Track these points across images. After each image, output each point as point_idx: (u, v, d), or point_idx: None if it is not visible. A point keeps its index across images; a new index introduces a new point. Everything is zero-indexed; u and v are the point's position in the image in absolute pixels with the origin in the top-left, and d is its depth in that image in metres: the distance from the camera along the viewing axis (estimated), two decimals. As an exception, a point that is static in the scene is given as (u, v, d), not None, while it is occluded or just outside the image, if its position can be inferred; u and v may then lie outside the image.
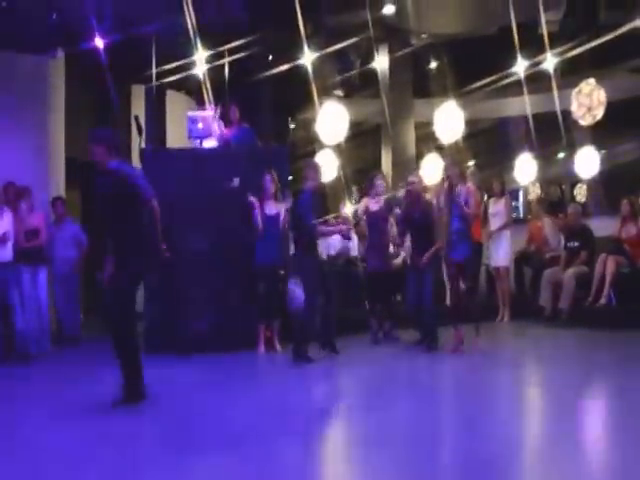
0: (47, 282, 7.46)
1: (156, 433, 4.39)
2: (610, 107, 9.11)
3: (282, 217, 7.03)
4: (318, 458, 3.96)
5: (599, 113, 8.98)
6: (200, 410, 4.78)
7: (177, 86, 10.31)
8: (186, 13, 8.02)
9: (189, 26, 8.11)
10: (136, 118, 6.93)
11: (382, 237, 7.44)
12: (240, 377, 5.92)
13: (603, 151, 11.50)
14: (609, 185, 12.72)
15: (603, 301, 7.81)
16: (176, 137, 9.43)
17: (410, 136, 11.81)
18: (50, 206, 8.17)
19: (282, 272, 7.00)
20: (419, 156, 11.08)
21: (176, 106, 10.50)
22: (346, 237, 7.64)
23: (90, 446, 4.00)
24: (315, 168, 6.75)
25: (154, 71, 8.43)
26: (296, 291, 6.38)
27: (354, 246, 8.43)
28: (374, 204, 7.43)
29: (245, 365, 6.50)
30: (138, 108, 9.59)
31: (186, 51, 8.54)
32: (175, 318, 6.96)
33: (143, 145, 7.54)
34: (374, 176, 7.64)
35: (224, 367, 6.35)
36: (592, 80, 9.09)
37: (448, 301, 8.44)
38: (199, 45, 8.43)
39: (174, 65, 8.56)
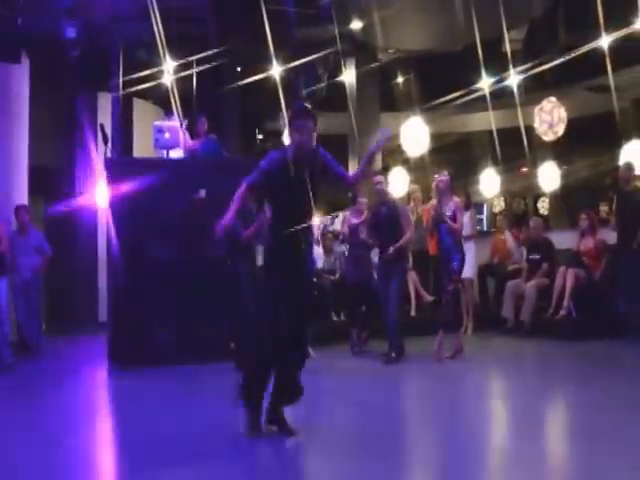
0: (8, 291, 7.34)
1: (116, 447, 4.35)
2: (570, 124, 9.33)
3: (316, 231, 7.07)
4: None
5: (560, 129, 9.18)
6: (164, 424, 4.73)
7: (145, 95, 10.27)
8: (154, 22, 8.00)
9: (157, 35, 8.10)
10: (102, 127, 6.92)
11: (362, 249, 7.50)
12: (207, 389, 5.88)
13: (564, 167, 11.75)
14: (569, 199, 13.00)
15: (563, 312, 7.95)
16: (143, 147, 9.38)
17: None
18: (13, 214, 8.05)
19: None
20: (385, 169, 11.16)
21: (144, 115, 10.45)
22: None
23: (42, 461, 3.91)
24: None
25: (121, 79, 8.39)
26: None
27: (318, 258, 8.45)
28: (355, 217, 7.51)
29: (213, 377, 6.45)
30: (104, 116, 9.54)
31: (154, 60, 8.51)
32: (142, 329, 6.91)
33: (109, 154, 7.50)
34: (356, 194, 7.68)
35: (191, 379, 6.30)
36: (553, 98, 9.31)
37: (413, 312, 8.59)
38: (167, 55, 8.41)
39: (142, 74, 8.52)
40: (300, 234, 4.18)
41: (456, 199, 6.81)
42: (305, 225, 4.20)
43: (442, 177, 6.80)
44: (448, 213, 6.65)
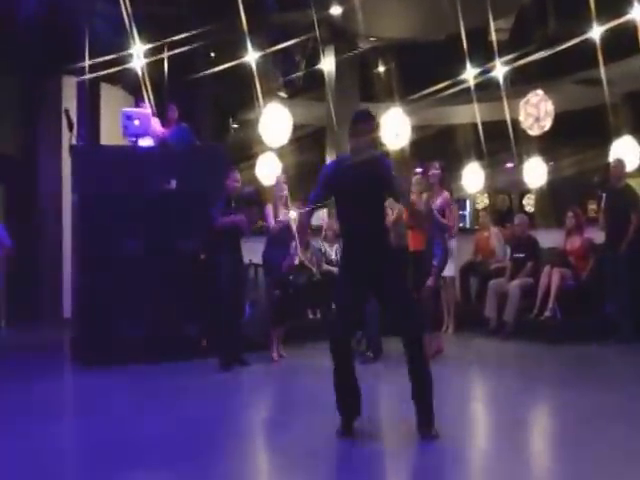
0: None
1: (84, 449, 4.38)
2: (557, 118, 9.48)
3: (292, 225, 7.17)
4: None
5: (547, 124, 9.31)
6: (132, 425, 4.78)
7: (113, 80, 10.23)
8: (122, 1, 7.99)
9: (126, 16, 8.09)
10: (66, 112, 6.91)
11: None
12: (176, 389, 5.93)
13: (551, 162, 11.95)
14: (556, 196, 13.20)
15: (548, 314, 8.03)
16: (110, 134, 9.36)
17: (356, 141, 11.95)
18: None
19: (291, 277, 7.24)
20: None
21: (111, 101, 10.40)
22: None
23: (9, 463, 3.95)
24: (234, 176, 6.91)
25: (87, 62, 8.35)
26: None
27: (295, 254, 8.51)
28: None
29: (182, 376, 6.49)
30: (69, 102, 9.48)
31: (123, 42, 8.51)
32: (108, 326, 6.93)
33: (74, 141, 7.50)
34: None
35: (160, 378, 6.33)
36: (540, 91, 9.43)
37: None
38: (137, 37, 8.41)
39: (110, 57, 8.50)
40: (367, 237, 4.32)
41: (445, 194, 6.91)
42: (373, 229, 4.36)
43: (433, 170, 6.88)
44: (435, 208, 6.75)
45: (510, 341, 8.10)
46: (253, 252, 7.71)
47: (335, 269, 7.77)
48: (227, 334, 6.77)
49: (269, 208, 7.23)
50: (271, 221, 7.18)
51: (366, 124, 4.40)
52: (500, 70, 9.72)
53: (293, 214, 7.24)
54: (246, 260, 8.00)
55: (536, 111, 9.15)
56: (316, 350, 7.62)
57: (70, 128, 6.96)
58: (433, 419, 4.23)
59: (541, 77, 11.56)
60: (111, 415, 5.07)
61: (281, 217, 7.20)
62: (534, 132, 9.32)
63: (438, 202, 6.84)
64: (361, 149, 4.37)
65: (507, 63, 9.81)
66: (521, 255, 8.72)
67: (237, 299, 6.99)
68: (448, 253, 6.91)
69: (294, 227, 7.31)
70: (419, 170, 7.10)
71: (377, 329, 6.94)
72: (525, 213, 12.53)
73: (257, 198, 8.35)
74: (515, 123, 9.87)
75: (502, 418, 4.99)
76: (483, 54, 10.00)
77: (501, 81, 9.78)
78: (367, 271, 4.31)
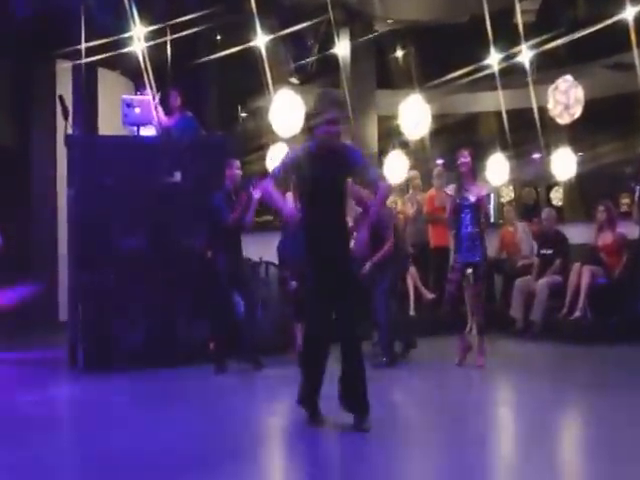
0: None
1: (77, 463, 4.31)
2: (588, 105, 9.35)
3: None
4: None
5: (577, 112, 9.20)
6: (135, 434, 4.72)
7: (111, 65, 10.18)
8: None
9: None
10: (61, 99, 6.83)
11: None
12: (179, 396, 5.85)
13: (581, 153, 11.81)
14: (585, 189, 13.06)
15: (578, 314, 7.97)
16: (109, 123, 9.30)
17: (372, 130, 11.90)
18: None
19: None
20: (382, 153, 11.16)
21: (110, 88, 10.35)
22: None
23: (5, 476, 3.90)
24: (233, 167, 6.90)
25: (83, 45, 8.28)
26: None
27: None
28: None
29: (188, 381, 6.41)
30: (64, 88, 9.41)
31: (122, 24, 8.43)
32: (107, 329, 6.87)
33: (70, 130, 7.43)
34: None
35: (163, 385, 6.26)
36: (569, 76, 9.31)
37: (412, 311, 8.59)
38: (137, 18, 8.34)
39: (107, 40, 8.44)
40: (328, 231, 4.50)
41: (481, 183, 6.81)
42: (334, 221, 4.53)
43: (462, 158, 6.79)
44: (472, 200, 6.65)
45: (537, 342, 8.06)
46: (264, 249, 7.61)
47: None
48: (223, 336, 6.71)
49: (289, 197, 7.13)
50: (293, 211, 7.04)
51: (335, 113, 4.43)
52: (526, 54, 9.63)
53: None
54: (256, 258, 7.95)
55: (565, 98, 9.04)
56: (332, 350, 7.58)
57: (65, 116, 6.88)
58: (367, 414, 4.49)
59: (570, 62, 11.46)
60: (111, 424, 5.00)
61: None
62: (563, 120, 9.20)
63: (481, 193, 6.68)
64: (329, 139, 4.43)
65: (534, 47, 9.72)
66: (549, 251, 8.67)
67: (248, 300, 6.92)
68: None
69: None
70: (440, 162, 6.98)
71: (388, 334, 6.85)
72: (553, 207, 12.41)
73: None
74: (542, 111, 9.78)
75: (530, 424, 4.90)
76: (508, 37, 9.88)
77: (527, 66, 9.66)
78: (329, 265, 4.49)
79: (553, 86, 9.27)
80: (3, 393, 6.10)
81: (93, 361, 6.73)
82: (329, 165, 4.45)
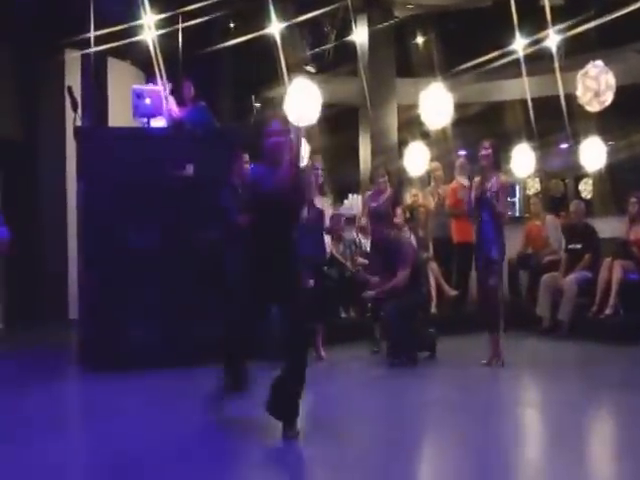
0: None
1: (87, 464, 4.31)
2: (619, 92, 9.23)
3: (327, 212, 7.27)
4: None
5: (607, 99, 9.08)
6: (141, 434, 4.73)
7: (121, 54, 10.20)
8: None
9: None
10: (69, 90, 6.83)
11: None
12: (192, 397, 5.84)
13: (611, 142, 11.69)
14: (616, 181, 12.93)
15: (608, 311, 7.91)
16: (119, 114, 9.31)
17: (392, 120, 11.84)
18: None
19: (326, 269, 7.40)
20: (402, 143, 11.12)
21: (120, 78, 10.37)
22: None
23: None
24: (241, 160, 6.89)
25: (92, 34, 8.29)
26: None
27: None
28: (374, 200, 7.67)
29: (201, 381, 6.40)
30: (73, 78, 9.44)
31: (132, 12, 8.43)
32: (118, 327, 6.87)
33: (79, 122, 7.44)
34: (375, 173, 8.04)
35: (175, 385, 6.26)
36: (600, 62, 9.20)
37: (434, 309, 8.56)
38: (147, 7, 8.34)
39: (118, 28, 8.44)
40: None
41: (501, 176, 6.76)
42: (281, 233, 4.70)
43: (483, 150, 6.75)
44: (490, 193, 6.62)
45: (565, 342, 8.01)
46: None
47: None
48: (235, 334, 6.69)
49: None
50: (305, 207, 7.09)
51: (277, 125, 4.67)
52: (553, 39, 9.52)
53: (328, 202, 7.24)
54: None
55: (595, 84, 8.90)
56: (348, 353, 7.56)
57: (74, 108, 6.88)
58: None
59: (600, 46, 11.30)
60: (121, 424, 5.00)
61: (316, 204, 7.10)
62: (593, 108, 9.08)
63: (492, 186, 6.66)
64: (277, 159, 4.62)
65: (561, 31, 9.58)
66: (577, 246, 8.62)
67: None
68: (504, 245, 6.76)
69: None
70: (462, 153, 6.94)
71: (404, 332, 6.89)
72: (582, 199, 12.30)
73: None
74: (570, 98, 9.67)
75: (557, 425, 4.88)
76: (534, 21, 9.76)
77: (554, 52, 9.55)
78: (272, 275, 4.65)
79: (582, 72, 9.15)
80: (12, 392, 6.12)
81: (103, 360, 6.73)
82: (274, 178, 4.62)
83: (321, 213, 7.21)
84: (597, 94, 9.04)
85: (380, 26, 11.51)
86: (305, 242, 7.16)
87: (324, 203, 7.22)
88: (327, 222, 7.53)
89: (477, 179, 6.89)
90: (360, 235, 8.58)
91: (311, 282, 7.09)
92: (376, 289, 7.14)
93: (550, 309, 8.47)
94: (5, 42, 9.59)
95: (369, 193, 8.13)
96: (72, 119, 7.34)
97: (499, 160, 6.91)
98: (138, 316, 6.90)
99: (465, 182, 6.85)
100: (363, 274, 7.85)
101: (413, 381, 6.42)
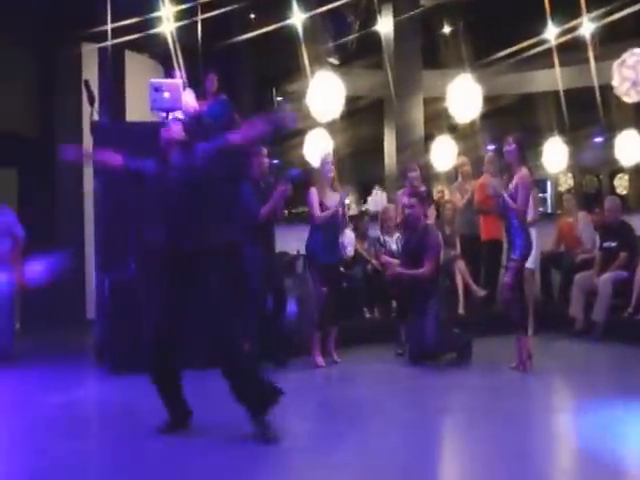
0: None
1: (108, 465, 4.36)
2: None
3: (340, 209, 7.20)
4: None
5: (646, 89, 9.02)
6: (159, 437, 4.76)
7: (139, 47, 10.25)
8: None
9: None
10: (86, 84, 6.88)
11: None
12: (214, 400, 5.87)
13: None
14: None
15: (646, 313, 7.84)
16: (137, 108, 9.36)
17: (418, 114, 11.80)
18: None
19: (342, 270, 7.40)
20: (428, 138, 11.09)
21: (138, 71, 10.41)
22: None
23: None
24: (260, 155, 6.99)
25: (109, 27, 8.35)
26: None
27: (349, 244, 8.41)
28: (407, 197, 7.60)
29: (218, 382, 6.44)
30: (90, 72, 9.51)
31: (150, 4, 8.47)
32: (137, 328, 6.87)
33: (96, 117, 7.48)
34: (406, 168, 8.10)
35: (196, 386, 6.27)
36: (638, 50, 9.12)
37: (462, 309, 8.53)
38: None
39: (135, 21, 8.49)
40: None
41: (523, 172, 6.69)
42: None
43: (507, 146, 6.70)
44: (512, 189, 6.59)
45: (600, 344, 7.92)
46: (302, 242, 7.61)
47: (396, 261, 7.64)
48: (255, 335, 6.72)
49: (313, 192, 7.11)
50: (316, 206, 7.06)
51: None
52: (587, 27, 9.42)
53: (341, 198, 7.19)
54: (294, 251, 7.95)
55: (633, 74, 8.84)
56: (371, 355, 7.55)
57: (91, 102, 6.92)
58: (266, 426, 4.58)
59: (638, 34, 11.16)
60: (140, 426, 5.03)
61: (328, 202, 7.09)
62: (630, 99, 9.01)
63: (514, 182, 6.63)
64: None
65: (596, 19, 9.49)
66: (612, 244, 8.51)
67: (277, 298, 7.01)
68: (531, 243, 6.71)
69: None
70: (491, 147, 6.91)
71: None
72: (617, 195, 12.20)
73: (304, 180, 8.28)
74: (605, 89, 9.59)
75: (592, 434, 4.80)
76: (567, 9, 9.68)
77: (588, 40, 9.47)
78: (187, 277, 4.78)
79: (619, 61, 9.08)
80: (30, 394, 6.17)
81: (121, 361, 6.76)
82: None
83: (336, 211, 7.16)
84: (635, 84, 8.97)
85: (406, 16, 11.47)
86: (317, 242, 7.15)
87: (337, 198, 7.14)
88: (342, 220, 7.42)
89: (505, 178, 6.86)
90: (386, 235, 8.54)
91: (323, 290, 7.07)
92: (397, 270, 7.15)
93: (583, 310, 8.37)
94: (21, 36, 9.66)
95: (403, 190, 8.06)
96: (89, 114, 7.38)
97: (524, 155, 6.84)
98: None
99: (493, 178, 6.83)
100: (385, 258, 7.76)
101: (436, 385, 6.38)
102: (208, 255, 4.85)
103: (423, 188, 7.85)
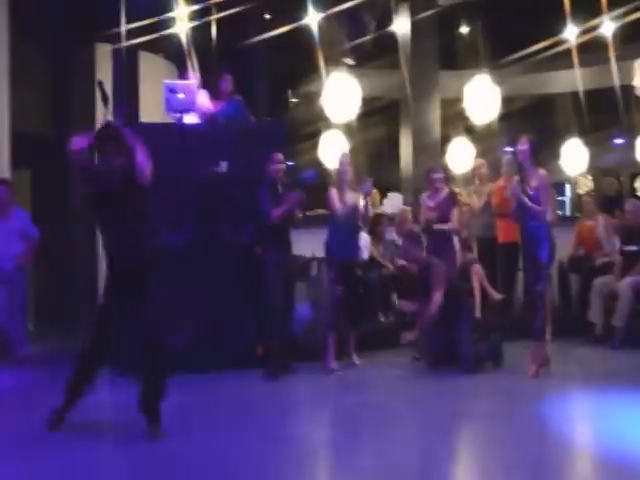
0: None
1: (124, 467, 4.42)
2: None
3: (360, 208, 7.24)
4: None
5: (667, 89, 9.01)
6: (176, 443, 4.81)
7: (153, 47, 10.31)
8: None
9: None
10: (100, 84, 6.88)
11: (443, 239, 7.67)
12: (227, 404, 5.92)
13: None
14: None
15: (667, 318, 7.83)
16: (151, 110, 9.43)
17: (434, 115, 11.80)
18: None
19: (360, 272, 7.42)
20: (445, 139, 11.09)
21: (152, 72, 10.47)
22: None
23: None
24: (275, 161, 7.05)
25: (123, 28, 8.41)
26: None
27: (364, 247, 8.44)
28: (431, 199, 7.69)
29: (231, 388, 6.50)
30: (104, 73, 9.57)
31: (164, 4, 8.52)
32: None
33: (110, 118, 7.53)
34: (430, 168, 8.07)
35: (204, 390, 6.34)
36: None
37: (478, 313, 8.53)
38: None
39: (149, 21, 8.55)
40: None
41: (541, 173, 6.71)
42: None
43: (520, 146, 6.72)
44: (531, 192, 6.59)
45: (620, 351, 7.92)
46: (317, 245, 7.65)
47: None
48: (275, 339, 6.85)
49: (333, 191, 7.19)
50: (337, 205, 7.12)
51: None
52: (609, 26, 9.39)
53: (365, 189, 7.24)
54: (308, 254, 7.98)
55: (655, 74, 8.83)
56: (387, 359, 7.57)
57: (105, 103, 6.94)
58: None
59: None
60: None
61: (348, 202, 7.14)
62: (651, 99, 9.00)
63: (533, 184, 6.63)
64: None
65: (617, 17, 9.46)
66: (633, 248, 8.53)
67: (287, 299, 7.05)
68: (554, 245, 6.72)
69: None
70: (509, 149, 6.92)
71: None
72: (638, 198, 12.12)
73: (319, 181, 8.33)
74: (627, 90, 9.56)
75: (611, 441, 4.80)
76: (588, 7, 9.65)
77: (610, 40, 9.44)
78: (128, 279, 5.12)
79: (640, 61, 9.09)
80: (41, 395, 6.22)
81: (132, 364, 6.79)
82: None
83: (354, 211, 7.22)
84: (656, 84, 8.97)
85: (422, 16, 11.48)
86: (336, 242, 7.20)
87: (356, 197, 7.20)
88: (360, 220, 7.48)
89: (516, 178, 6.87)
90: (400, 236, 8.57)
91: (339, 289, 7.12)
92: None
93: (603, 315, 8.34)
94: (35, 36, 9.74)
95: (427, 193, 8.03)
96: (103, 115, 7.43)
97: (538, 156, 6.85)
98: (167, 319, 6.93)
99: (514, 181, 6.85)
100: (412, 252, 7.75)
101: (454, 390, 6.40)
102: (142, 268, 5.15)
103: (447, 190, 7.82)
